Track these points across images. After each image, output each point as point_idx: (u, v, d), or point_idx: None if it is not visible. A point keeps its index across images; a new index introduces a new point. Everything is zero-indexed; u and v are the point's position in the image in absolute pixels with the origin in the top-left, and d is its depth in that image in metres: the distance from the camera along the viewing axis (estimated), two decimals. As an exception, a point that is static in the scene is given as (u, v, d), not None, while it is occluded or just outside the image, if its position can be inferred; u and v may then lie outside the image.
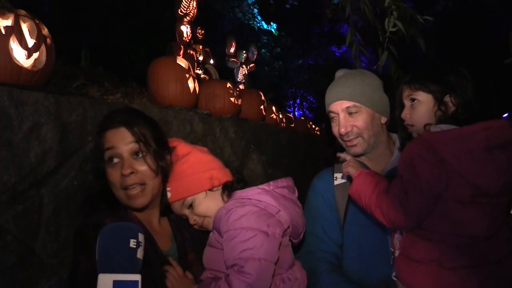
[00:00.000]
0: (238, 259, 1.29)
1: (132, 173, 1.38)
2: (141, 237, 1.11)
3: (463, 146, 1.31)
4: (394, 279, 1.50)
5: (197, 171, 1.52)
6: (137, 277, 1.04)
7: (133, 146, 1.39)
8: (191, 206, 1.49)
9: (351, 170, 1.57)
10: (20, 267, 1.44)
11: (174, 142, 1.60)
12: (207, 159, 1.58)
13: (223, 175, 1.55)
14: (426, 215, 1.37)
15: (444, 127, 1.39)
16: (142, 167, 1.40)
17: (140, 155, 1.40)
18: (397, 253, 1.49)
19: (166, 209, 1.56)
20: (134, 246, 1.08)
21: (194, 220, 1.49)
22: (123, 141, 1.39)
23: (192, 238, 1.55)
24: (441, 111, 1.43)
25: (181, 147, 1.57)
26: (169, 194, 1.50)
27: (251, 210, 1.38)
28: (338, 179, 1.78)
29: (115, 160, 1.39)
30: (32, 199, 1.50)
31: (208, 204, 1.48)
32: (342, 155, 1.67)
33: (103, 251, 1.08)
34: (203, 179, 1.50)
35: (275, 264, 1.35)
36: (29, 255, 1.48)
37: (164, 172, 1.47)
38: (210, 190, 1.50)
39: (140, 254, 1.09)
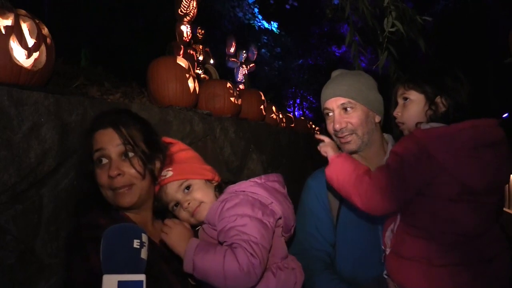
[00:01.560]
0: (237, 240, 1.30)
1: (119, 174, 1.37)
2: (144, 237, 1.12)
3: (450, 143, 1.34)
4: (386, 277, 1.52)
5: (200, 163, 1.59)
6: (141, 277, 1.05)
7: (121, 147, 1.39)
8: (188, 189, 1.50)
9: (330, 151, 1.59)
10: (19, 267, 1.44)
11: (174, 140, 1.64)
12: (203, 160, 1.65)
13: (219, 176, 1.62)
14: (401, 205, 1.41)
15: (434, 125, 1.42)
16: (130, 170, 1.39)
17: (128, 157, 1.40)
18: (388, 251, 1.51)
19: (160, 212, 1.56)
20: (138, 247, 1.09)
21: (189, 203, 1.48)
22: (111, 142, 1.38)
23: None
24: (431, 111, 1.47)
25: (181, 143, 1.64)
26: (169, 174, 1.50)
27: (245, 198, 1.42)
28: None
29: (104, 161, 1.38)
30: (32, 199, 1.50)
31: (207, 191, 1.52)
32: (321, 137, 1.66)
33: (107, 252, 1.08)
34: (206, 169, 1.57)
35: (269, 252, 1.37)
36: (29, 255, 1.48)
37: (152, 175, 1.46)
38: (210, 182, 1.55)
39: (144, 254, 1.10)
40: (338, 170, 1.51)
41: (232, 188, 1.49)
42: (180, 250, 1.35)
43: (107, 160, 1.38)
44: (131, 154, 1.39)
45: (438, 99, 1.46)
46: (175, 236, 1.37)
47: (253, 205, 1.39)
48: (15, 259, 1.43)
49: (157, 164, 1.49)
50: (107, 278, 1.03)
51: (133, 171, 1.39)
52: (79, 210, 1.43)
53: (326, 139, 1.65)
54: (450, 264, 1.34)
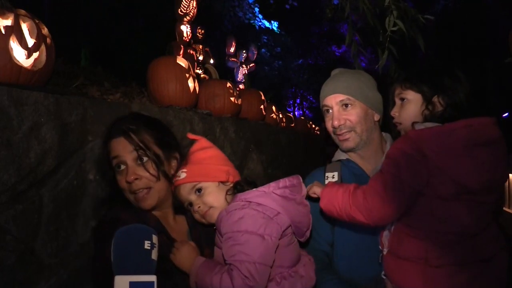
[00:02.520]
0: (234, 261, 1.30)
1: (136, 179, 1.43)
2: (155, 238, 1.14)
3: (443, 143, 1.33)
4: (383, 277, 1.51)
5: (216, 163, 1.57)
6: (152, 278, 1.07)
7: (134, 154, 1.45)
8: (200, 192, 1.51)
9: (317, 189, 1.59)
10: (19, 267, 1.44)
11: (197, 137, 1.65)
12: (225, 157, 1.65)
13: (237, 175, 1.61)
14: (404, 209, 1.38)
15: (429, 125, 1.41)
16: (146, 173, 1.45)
17: (142, 161, 1.45)
18: (385, 251, 1.50)
19: (181, 207, 1.58)
20: (149, 248, 1.11)
21: (199, 207, 1.50)
22: (124, 150, 1.44)
23: (207, 235, 1.58)
24: (428, 111, 1.45)
25: (204, 141, 1.63)
26: (183, 175, 1.52)
27: (249, 213, 1.40)
28: (329, 178, 1.79)
29: (122, 167, 1.45)
30: (32, 199, 1.50)
31: (218, 195, 1.51)
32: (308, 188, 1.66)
33: (118, 253, 1.10)
34: (221, 171, 1.55)
35: (271, 266, 1.36)
36: (29, 255, 1.48)
37: (167, 176, 1.50)
38: (223, 183, 1.54)
39: (154, 255, 1.12)
40: (331, 198, 1.50)
41: (239, 196, 1.48)
42: (186, 269, 1.40)
43: (124, 166, 1.44)
44: (145, 159, 1.45)
45: (435, 99, 1.45)
46: (182, 257, 1.42)
47: (255, 220, 1.38)
48: (15, 259, 1.43)
49: (173, 163, 1.54)
50: (119, 279, 1.06)
51: (148, 174, 1.44)
52: (103, 207, 1.49)
53: (312, 185, 1.65)
54: (447, 264, 1.33)
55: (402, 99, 1.53)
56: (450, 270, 1.33)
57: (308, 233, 1.58)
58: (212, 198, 1.50)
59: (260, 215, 1.40)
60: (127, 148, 1.44)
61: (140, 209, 1.48)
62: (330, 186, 1.55)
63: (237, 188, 1.53)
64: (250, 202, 1.44)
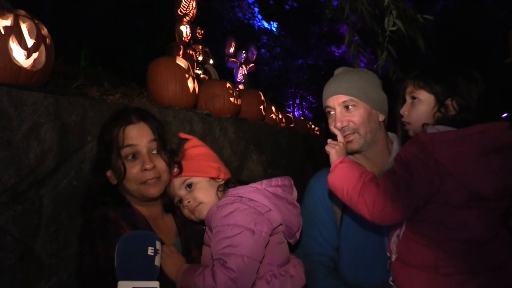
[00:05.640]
0: (222, 254, 1.31)
1: (153, 167, 1.45)
2: (158, 244, 1.16)
3: (458, 149, 1.28)
4: (391, 283, 1.48)
5: (208, 160, 1.61)
6: (155, 284, 1.09)
7: (153, 143, 1.47)
8: (190, 187, 1.53)
9: (333, 154, 1.49)
10: (20, 267, 1.44)
11: (189, 136, 1.70)
12: (217, 157, 1.68)
13: (228, 173, 1.63)
14: (411, 214, 1.35)
15: (441, 128, 1.35)
16: (159, 163, 1.47)
17: (156, 152, 1.48)
18: (393, 257, 1.46)
19: (171, 205, 1.59)
20: (152, 254, 1.13)
21: (189, 202, 1.53)
22: (144, 137, 1.46)
23: (196, 235, 1.58)
24: (440, 113, 1.40)
25: (195, 140, 1.68)
26: (175, 169, 1.55)
27: (240, 207, 1.41)
28: None
29: (136, 155, 1.45)
30: (32, 199, 1.50)
31: (208, 191, 1.53)
32: (336, 141, 1.56)
33: (122, 258, 1.11)
34: (212, 167, 1.58)
35: (260, 262, 1.37)
36: (29, 255, 1.48)
37: (179, 166, 1.54)
38: (214, 180, 1.56)
39: (157, 261, 1.14)
40: (343, 177, 1.42)
41: (231, 192, 1.49)
42: (172, 277, 1.42)
43: (137, 154, 1.45)
44: (159, 149, 1.48)
45: (448, 102, 1.39)
46: (170, 264, 1.43)
47: (246, 215, 1.38)
48: (15, 259, 1.43)
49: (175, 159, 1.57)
50: (123, 284, 1.07)
51: (162, 164, 1.47)
52: (90, 205, 1.48)
53: (340, 141, 1.56)
54: (457, 273, 1.30)
55: (414, 98, 1.46)
56: (460, 278, 1.30)
57: (298, 235, 1.58)
58: (202, 194, 1.52)
59: (251, 210, 1.40)
60: (148, 136, 1.46)
61: (144, 199, 1.48)
62: (347, 163, 1.45)
63: (229, 185, 1.55)
64: (242, 197, 1.45)
